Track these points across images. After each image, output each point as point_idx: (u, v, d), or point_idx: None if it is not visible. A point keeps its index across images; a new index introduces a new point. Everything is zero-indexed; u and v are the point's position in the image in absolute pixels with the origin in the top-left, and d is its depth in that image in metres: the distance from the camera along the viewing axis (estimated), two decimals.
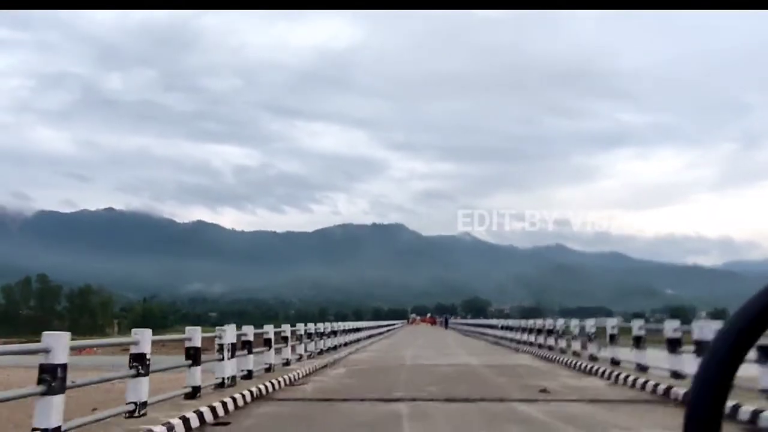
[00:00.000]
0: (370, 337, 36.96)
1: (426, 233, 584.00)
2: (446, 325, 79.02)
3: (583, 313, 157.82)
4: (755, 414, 8.39)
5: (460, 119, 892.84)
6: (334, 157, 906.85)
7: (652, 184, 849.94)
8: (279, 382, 13.26)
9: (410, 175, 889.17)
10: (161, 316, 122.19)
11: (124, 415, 8.30)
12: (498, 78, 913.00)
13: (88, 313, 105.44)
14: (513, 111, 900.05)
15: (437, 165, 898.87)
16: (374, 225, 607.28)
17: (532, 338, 25.63)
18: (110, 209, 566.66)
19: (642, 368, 13.73)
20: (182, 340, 11.06)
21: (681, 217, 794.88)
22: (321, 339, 21.97)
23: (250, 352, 13.59)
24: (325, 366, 18.36)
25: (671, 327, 12.81)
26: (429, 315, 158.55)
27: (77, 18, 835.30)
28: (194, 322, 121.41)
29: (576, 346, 19.58)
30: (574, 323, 20.64)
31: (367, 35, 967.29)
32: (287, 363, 16.88)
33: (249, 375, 13.33)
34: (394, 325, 67.86)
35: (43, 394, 6.41)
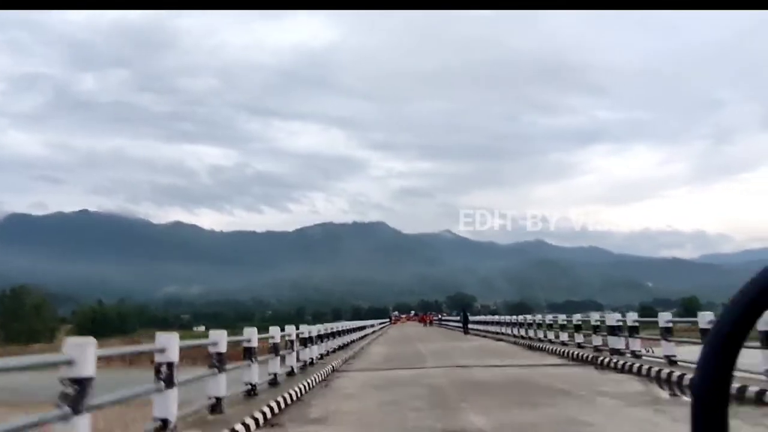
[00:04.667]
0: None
1: (407, 231, 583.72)
2: (465, 326, 42.94)
3: (571, 307, 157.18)
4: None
5: (439, 118, 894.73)
6: (312, 156, 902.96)
7: (628, 180, 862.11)
8: None
9: (389, 173, 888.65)
10: (120, 320, 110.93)
11: None
12: (476, 75, 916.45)
13: (22, 318, 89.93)
14: (491, 108, 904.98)
15: (416, 163, 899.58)
16: (355, 224, 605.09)
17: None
18: (84, 211, 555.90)
19: None
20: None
21: (656, 211, 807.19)
22: None
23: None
24: None
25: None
26: (413, 312, 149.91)
27: (48, 17, 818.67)
28: (163, 326, 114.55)
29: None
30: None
31: (345, 34, 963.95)
32: None
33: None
34: (364, 330, 37.29)
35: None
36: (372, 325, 47.77)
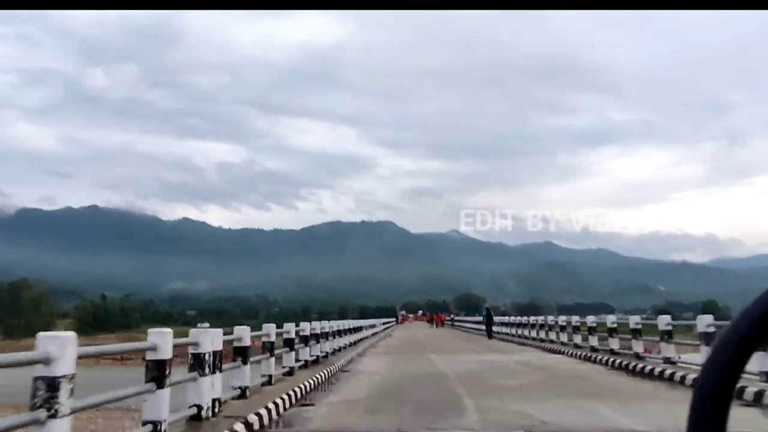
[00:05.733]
0: None
1: (415, 231, 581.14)
2: (489, 329, 35.81)
3: (581, 309, 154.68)
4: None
5: (447, 117, 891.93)
6: (320, 154, 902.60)
7: (638, 182, 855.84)
8: None
9: (397, 172, 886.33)
10: (123, 316, 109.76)
11: None
12: (484, 74, 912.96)
13: (21, 313, 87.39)
14: (500, 108, 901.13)
15: (424, 162, 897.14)
16: (362, 222, 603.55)
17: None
18: (93, 207, 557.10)
19: None
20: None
21: (666, 214, 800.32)
22: None
23: None
24: None
25: None
26: (421, 312, 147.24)
27: (58, 12, 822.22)
28: (167, 321, 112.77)
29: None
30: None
31: (352, 32, 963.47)
32: None
33: None
34: (360, 332, 30.34)
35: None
36: (373, 326, 39.99)
